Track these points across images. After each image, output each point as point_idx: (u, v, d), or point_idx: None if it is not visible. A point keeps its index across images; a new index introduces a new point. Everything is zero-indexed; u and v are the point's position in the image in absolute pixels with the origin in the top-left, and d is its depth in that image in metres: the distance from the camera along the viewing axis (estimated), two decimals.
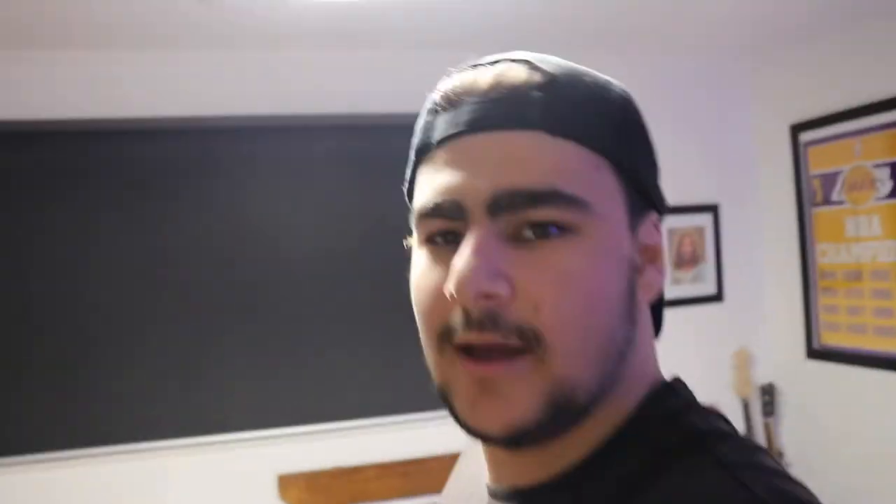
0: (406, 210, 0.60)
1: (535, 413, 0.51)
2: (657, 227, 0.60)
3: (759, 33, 2.76)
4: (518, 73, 0.55)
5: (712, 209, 3.09)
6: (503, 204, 0.51)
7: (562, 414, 0.52)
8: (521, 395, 0.51)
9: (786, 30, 2.71)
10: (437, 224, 0.55)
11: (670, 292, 3.07)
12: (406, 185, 0.61)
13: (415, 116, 0.61)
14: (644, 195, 0.58)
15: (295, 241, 2.71)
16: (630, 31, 2.64)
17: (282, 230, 2.70)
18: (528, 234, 0.52)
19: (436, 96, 0.58)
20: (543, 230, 0.52)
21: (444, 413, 0.56)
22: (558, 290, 0.51)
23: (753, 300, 3.13)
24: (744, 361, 3.02)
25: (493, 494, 0.61)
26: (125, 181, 2.55)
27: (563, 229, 0.52)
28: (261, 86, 2.60)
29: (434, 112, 0.57)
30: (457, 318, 0.52)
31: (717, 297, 3.09)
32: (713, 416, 0.57)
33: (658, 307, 0.63)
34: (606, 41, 2.70)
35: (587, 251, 0.52)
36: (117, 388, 2.50)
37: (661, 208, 0.61)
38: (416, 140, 0.60)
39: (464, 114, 0.54)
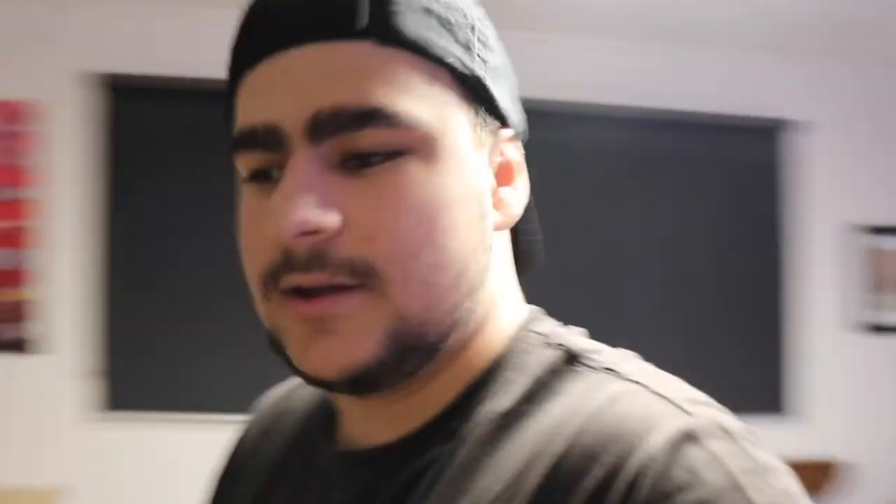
0: None
1: (375, 350, 0.46)
2: (514, 144, 0.54)
3: None
4: None
5: None
6: (325, 125, 0.45)
7: (408, 352, 0.47)
8: (357, 331, 0.46)
9: None
10: (255, 157, 0.48)
11: (870, 316, 3.18)
12: (224, 120, 0.53)
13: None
14: (493, 110, 0.52)
15: None
16: None
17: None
18: (355, 162, 0.46)
19: (249, 6, 0.50)
20: (370, 157, 0.46)
21: None
22: (394, 216, 0.46)
23: None
24: None
25: (347, 458, 0.54)
26: None
27: (394, 153, 0.46)
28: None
29: (245, 25, 0.50)
30: (280, 259, 0.46)
31: None
32: (581, 336, 0.54)
33: (525, 232, 0.58)
34: None
35: (423, 172, 0.47)
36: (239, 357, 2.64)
37: (516, 124, 0.55)
38: (231, 55, 0.51)
39: (277, 25, 0.47)
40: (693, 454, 0.42)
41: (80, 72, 2.75)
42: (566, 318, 0.59)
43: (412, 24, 0.47)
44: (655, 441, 0.43)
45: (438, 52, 0.48)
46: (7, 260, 2.72)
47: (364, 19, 0.46)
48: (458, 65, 0.49)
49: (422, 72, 0.48)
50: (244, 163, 0.49)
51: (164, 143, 2.81)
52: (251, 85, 0.49)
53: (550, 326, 0.55)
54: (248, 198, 0.50)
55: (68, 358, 2.73)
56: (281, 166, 0.47)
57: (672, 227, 3.12)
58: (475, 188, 0.50)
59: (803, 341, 3.20)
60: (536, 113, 2.70)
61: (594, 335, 0.54)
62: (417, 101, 0.47)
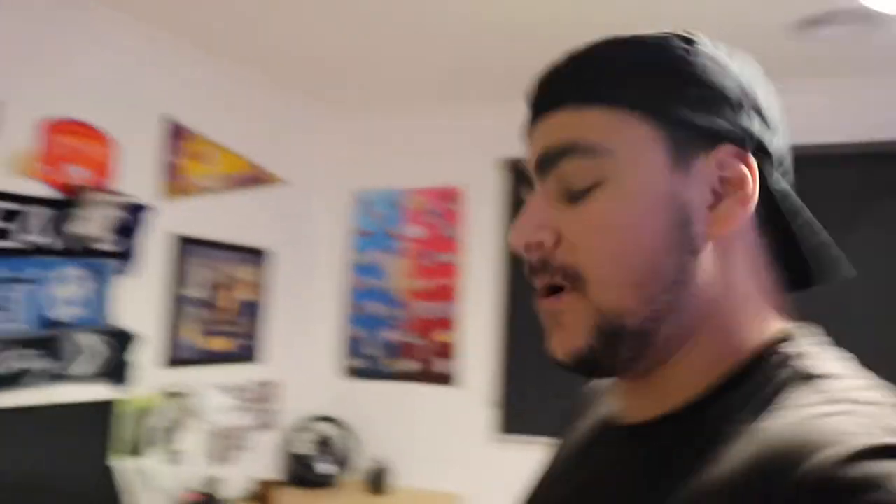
0: None
1: (586, 340, 0.58)
2: (740, 158, 0.59)
3: None
4: (564, 58, 0.62)
5: None
6: (544, 163, 0.61)
7: (613, 339, 0.58)
8: (572, 323, 0.59)
9: None
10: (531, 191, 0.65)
11: None
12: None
13: None
14: (701, 132, 0.58)
15: None
16: None
17: None
18: (569, 196, 0.59)
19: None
20: (580, 193, 0.59)
21: None
22: (592, 233, 0.58)
23: None
24: None
25: (616, 430, 0.66)
26: None
27: (594, 184, 0.58)
28: None
29: (526, 101, 0.67)
30: (527, 266, 0.61)
31: None
32: (828, 359, 0.57)
33: (809, 246, 0.62)
34: None
35: (615, 197, 0.58)
36: None
37: (742, 139, 0.59)
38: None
39: (531, 103, 0.64)
40: (875, 464, 0.43)
41: (495, 159, 3.43)
42: None
43: (603, 85, 0.60)
44: (841, 449, 0.45)
45: (622, 101, 0.59)
46: (441, 310, 3.46)
47: (567, 93, 0.61)
48: (646, 106, 0.59)
49: (610, 117, 0.59)
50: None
51: None
52: (526, 139, 0.66)
53: (798, 347, 0.58)
54: None
55: (476, 390, 3.33)
56: None
57: None
58: (667, 204, 0.58)
59: None
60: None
61: None
62: (606, 137, 0.59)
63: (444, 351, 3.43)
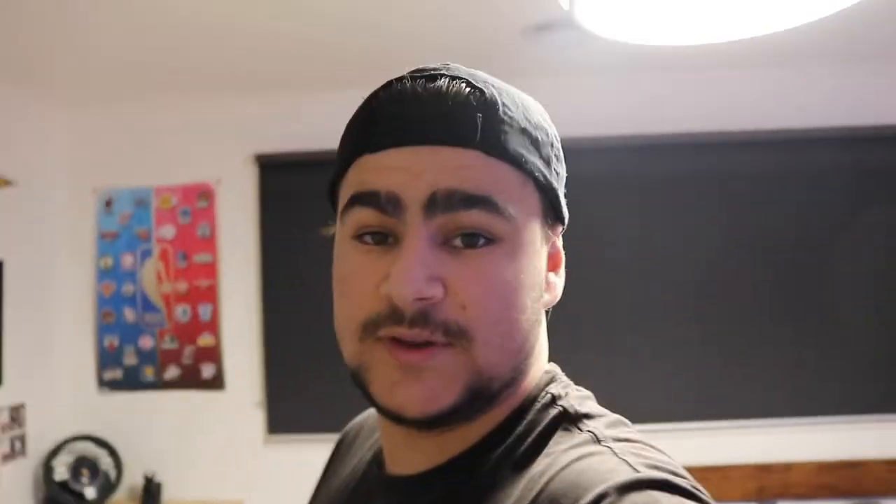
0: None
1: (454, 397, 0.56)
2: (560, 237, 0.66)
3: None
4: (459, 93, 0.58)
5: None
6: (440, 203, 0.56)
7: (477, 400, 0.58)
8: (442, 381, 0.56)
9: None
10: (368, 216, 0.58)
11: None
12: (330, 184, 0.65)
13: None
14: (556, 210, 0.64)
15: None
16: None
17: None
18: (458, 242, 0.57)
19: (376, 102, 0.61)
20: (472, 240, 0.57)
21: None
22: (484, 291, 0.56)
23: None
24: None
25: (386, 482, 0.66)
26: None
27: (489, 240, 0.57)
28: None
29: (372, 117, 0.60)
30: (384, 313, 0.56)
31: None
32: (585, 398, 0.64)
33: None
34: None
35: (509, 260, 0.58)
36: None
37: (565, 219, 0.66)
38: (349, 140, 0.62)
39: (406, 124, 0.58)
40: (635, 498, 0.49)
41: (248, 154, 3.34)
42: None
43: (512, 141, 0.59)
44: (605, 487, 0.50)
45: (529, 167, 0.60)
46: (201, 312, 3.37)
47: (478, 135, 0.58)
48: (542, 178, 0.61)
49: (516, 180, 0.59)
50: (355, 219, 0.59)
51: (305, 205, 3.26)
52: (375, 163, 0.58)
53: (561, 388, 0.64)
54: (354, 253, 0.60)
55: (244, 392, 3.31)
56: (391, 232, 0.58)
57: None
58: (538, 275, 0.61)
59: None
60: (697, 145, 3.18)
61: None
62: (513, 201, 0.58)
63: (208, 354, 3.36)
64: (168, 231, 3.40)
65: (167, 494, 3.22)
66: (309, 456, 3.07)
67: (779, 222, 3.16)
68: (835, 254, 3.12)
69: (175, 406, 3.34)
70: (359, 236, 0.59)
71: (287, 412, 3.27)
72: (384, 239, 0.58)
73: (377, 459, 0.70)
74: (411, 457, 0.63)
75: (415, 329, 0.55)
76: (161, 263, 3.39)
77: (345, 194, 0.61)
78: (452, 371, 0.56)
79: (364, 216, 0.58)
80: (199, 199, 3.39)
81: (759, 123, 3.17)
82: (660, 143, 3.19)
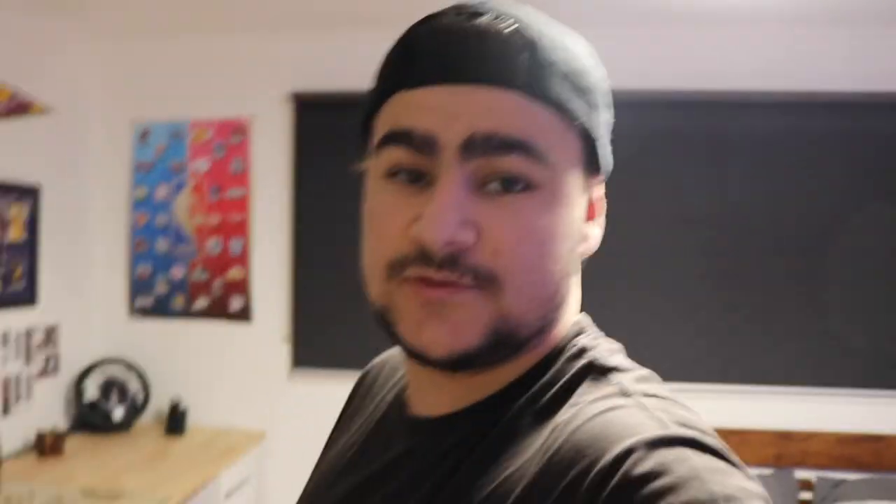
0: None
1: (478, 339, 0.55)
2: (601, 186, 0.63)
3: None
4: (502, 31, 0.55)
5: None
6: (477, 146, 0.54)
7: (502, 345, 0.56)
8: (466, 320, 0.55)
9: None
10: (402, 155, 0.56)
11: None
12: (363, 118, 0.62)
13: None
14: (598, 158, 0.61)
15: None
16: None
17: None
18: (494, 187, 0.55)
19: (415, 36, 0.58)
20: (509, 185, 0.54)
21: None
22: (518, 239, 0.54)
23: None
24: None
25: (409, 422, 0.65)
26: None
27: (526, 186, 0.55)
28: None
29: (409, 52, 0.58)
30: (413, 254, 0.54)
31: None
32: (615, 351, 0.62)
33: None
34: None
35: (547, 207, 0.56)
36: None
37: (607, 168, 0.63)
38: (385, 75, 0.60)
39: (445, 61, 0.55)
40: (665, 453, 0.48)
41: (284, 92, 3.34)
42: None
43: (556, 85, 0.56)
44: (633, 441, 0.49)
45: (572, 112, 0.57)
46: (232, 245, 3.41)
47: (519, 76, 0.55)
48: (584, 125, 0.58)
49: (558, 124, 0.56)
50: (388, 157, 0.57)
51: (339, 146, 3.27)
52: (411, 100, 0.56)
53: (590, 339, 0.62)
54: (386, 191, 0.58)
55: (271, 325, 3.37)
56: (425, 172, 0.56)
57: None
58: (575, 225, 0.59)
59: None
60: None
61: None
62: (553, 147, 0.56)
63: (237, 287, 3.41)
64: (202, 165, 3.43)
65: (191, 421, 3.31)
66: (332, 391, 3.10)
67: (812, 187, 3.09)
68: (867, 225, 3.05)
69: (203, 336, 3.42)
70: (392, 174, 0.57)
71: (312, 347, 3.32)
72: (418, 178, 0.56)
73: (399, 400, 0.70)
74: (435, 399, 0.62)
75: (443, 272, 0.54)
76: (194, 196, 3.42)
77: (379, 131, 0.59)
78: (477, 311, 0.55)
79: (398, 155, 0.56)
80: (234, 134, 3.41)
81: (801, 85, 3.07)
82: (694, 100, 3.13)
